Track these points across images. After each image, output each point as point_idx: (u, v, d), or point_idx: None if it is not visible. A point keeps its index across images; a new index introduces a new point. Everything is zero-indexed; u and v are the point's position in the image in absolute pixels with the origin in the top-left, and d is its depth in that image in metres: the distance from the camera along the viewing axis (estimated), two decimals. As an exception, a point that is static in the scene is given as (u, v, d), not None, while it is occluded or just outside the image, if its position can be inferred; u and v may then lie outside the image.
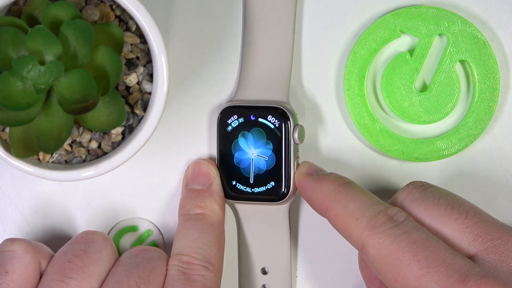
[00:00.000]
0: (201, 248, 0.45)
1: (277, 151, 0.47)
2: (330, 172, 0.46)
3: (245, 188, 0.48)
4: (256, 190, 0.48)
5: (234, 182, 0.48)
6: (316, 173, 0.46)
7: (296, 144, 0.47)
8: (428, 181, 0.45)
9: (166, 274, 0.44)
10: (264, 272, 0.49)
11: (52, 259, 0.45)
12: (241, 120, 0.48)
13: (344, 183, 0.44)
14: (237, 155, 0.48)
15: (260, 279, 0.49)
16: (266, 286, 0.49)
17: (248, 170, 0.48)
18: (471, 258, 0.41)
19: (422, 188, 0.44)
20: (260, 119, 0.47)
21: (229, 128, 0.48)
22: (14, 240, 0.45)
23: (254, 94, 0.48)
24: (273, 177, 0.47)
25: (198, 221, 0.47)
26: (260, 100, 0.48)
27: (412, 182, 0.45)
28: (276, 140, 0.47)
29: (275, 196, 0.47)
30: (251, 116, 0.47)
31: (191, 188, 0.48)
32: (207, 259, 0.45)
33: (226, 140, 0.48)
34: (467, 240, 0.41)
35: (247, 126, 0.47)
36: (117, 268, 0.44)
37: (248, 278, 0.50)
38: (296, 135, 0.47)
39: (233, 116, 0.48)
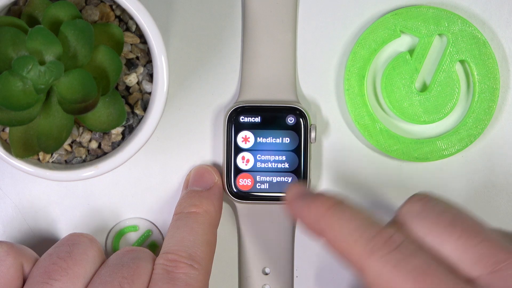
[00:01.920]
0: (187, 246, 0.44)
1: (295, 150, 0.47)
2: (318, 193, 0.43)
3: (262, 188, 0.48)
4: (273, 190, 0.48)
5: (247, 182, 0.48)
6: (303, 196, 0.43)
7: (311, 144, 0.48)
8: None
9: (151, 273, 0.44)
10: (265, 272, 0.49)
11: (37, 262, 0.44)
12: (255, 120, 0.48)
13: (334, 204, 0.42)
14: (250, 155, 0.48)
15: (260, 279, 0.49)
16: (267, 286, 0.49)
17: (265, 170, 0.48)
18: (473, 281, 0.39)
19: (423, 201, 0.42)
20: (277, 119, 0.47)
21: (242, 127, 0.48)
22: None
23: (262, 94, 0.48)
24: (292, 177, 0.47)
25: (189, 220, 0.46)
26: (270, 100, 0.48)
27: (414, 194, 0.42)
28: (293, 140, 0.47)
29: None
30: (267, 116, 0.47)
31: (191, 190, 0.48)
32: (192, 257, 0.44)
33: (238, 140, 0.48)
34: (470, 261, 0.39)
35: (262, 126, 0.48)
36: (103, 269, 0.44)
37: (249, 278, 0.49)
38: (313, 134, 0.47)
39: (246, 116, 0.48)
